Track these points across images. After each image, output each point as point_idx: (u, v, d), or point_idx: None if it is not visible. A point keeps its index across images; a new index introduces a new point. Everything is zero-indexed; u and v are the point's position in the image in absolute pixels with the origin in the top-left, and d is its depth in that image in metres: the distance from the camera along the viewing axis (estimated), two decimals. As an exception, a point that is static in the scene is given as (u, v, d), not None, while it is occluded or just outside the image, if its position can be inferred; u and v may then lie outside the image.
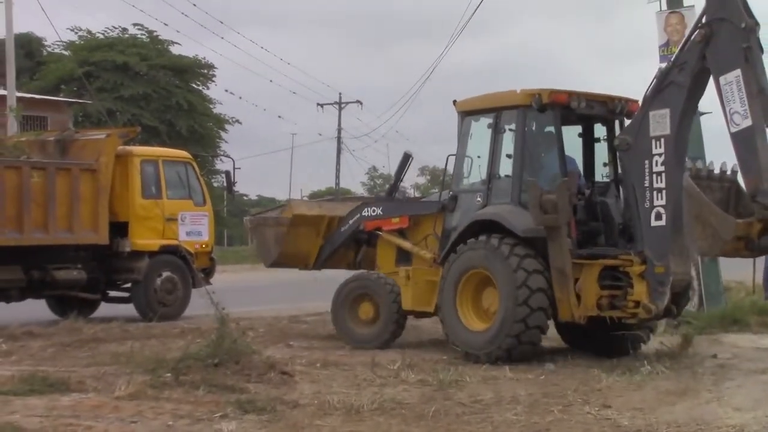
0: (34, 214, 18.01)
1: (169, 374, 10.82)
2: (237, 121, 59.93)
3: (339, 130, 69.38)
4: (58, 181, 18.36)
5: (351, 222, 16.05)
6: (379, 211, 15.77)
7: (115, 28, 56.21)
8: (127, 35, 55.52)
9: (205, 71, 56.84)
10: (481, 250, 13.24)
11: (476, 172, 14.25)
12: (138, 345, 14.38)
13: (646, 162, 12.48)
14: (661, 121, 12.39)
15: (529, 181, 13.02)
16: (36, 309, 19.55)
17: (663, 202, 12.36)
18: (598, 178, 14.15)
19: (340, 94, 64.51)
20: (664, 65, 12.67)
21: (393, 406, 9.80)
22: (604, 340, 13.69)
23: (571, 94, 13.44)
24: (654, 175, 12.42)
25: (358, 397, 10.12)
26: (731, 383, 11.07)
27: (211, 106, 57.41)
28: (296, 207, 16.75)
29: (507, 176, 13.70)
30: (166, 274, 19.91)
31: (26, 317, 18.23)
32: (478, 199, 13.90)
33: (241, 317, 15.95)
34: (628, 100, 13.80)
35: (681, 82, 12.27)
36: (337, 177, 69.66)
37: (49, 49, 57.29)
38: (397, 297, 14.66)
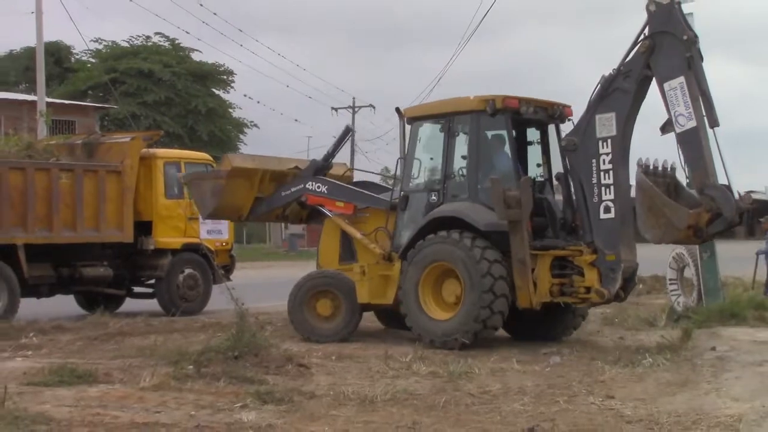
0: (62, 214, 18.11)
1: (191, 366, 10.83)
2: (255, 125, 60.03)
3: (352, 133, 69.26)
4: (85, 182, 18.46)
5: (293, 190, 15.99)
6: (324, 188, 15.71)
7: (139, 36, 56.41)
8: (150, 43, 55.67)
9: (225, 77, 56.97)
10: (443, 244, 13.62)
11: (425, 173, 14.73)
12: (161, 338, 14.44)
13: (593, 161, 13.18)
14: (606, 124, 13.12)
15: (493, 179, 13.38)
16: (65, 304, 19.62)
17: (611, 197, 13.08)
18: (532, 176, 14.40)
19: (353, 98, 64.45)
20: (606, 73, 13.17)
21: (405, 397, 9.79)
22: (545, 324, 14.40)
23: (521, 100, 13.97)
24: (602, 173, 13.14)
25: (372, 388, 10.12)
26: (729, 375, 11.02)
27: (231, 110, 57.53)
28: (234, 160, 16.44)
29: (462, 176, 14.16)
30: (188, 270, 19.96)
31: (56, 312, 18.35)
32: (433, 197, 14.27)
33: (259, 312, 16.02)
34: (564, 106, 14.42)
35: (626, 88, 13.01)
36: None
37: (77, 57, 57.45)
38: (355, 293, 14.70)
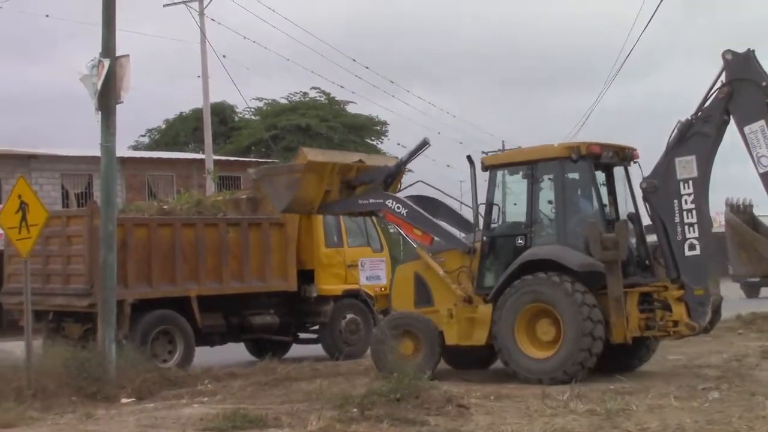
0: (231, 266, 18.57)
1: (355, 409, 10.93)
2: (410, 170, 60.24)
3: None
4: (250, 234, 18.91)
5: (372, 201, 16.07)
6: (404, 211, 15.69)
7: (297, 93, 57.61)
8: (307, 99, 56.77)
9: (378, 128, 57.60)
10: (542, 286, 13.92)
11: (507, 218, 14.97)
12: (326, 383, 14.60)
13: (675, 201, 13.71)
14: (687, 166, 13.65)
15: (590, 222, 13.86)
16: (236, 351, 20.06)
17: (696, 235, 13.60)
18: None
19: (503, 141, 64.25)
20: (683, 118, 13.68)
21: (563, 436, 9.66)
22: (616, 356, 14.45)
23: (602, 146, 14.46)
24: (684, 212, 13.66)
25: (530, 427, 10.02)
26: None
27: (385, 159, 57.94)
28: (309, 153, 16.42)
29: (549, 220, 14.57)
30: (349, 316, 20.17)
31: (228, 359, 18.73)
32: (519, 241, 14.59)
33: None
34: (632, 149, 14.95)
35: (706, 132, 13.57)
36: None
37: (240, 116, 59.04)
38: (437, 331, 14.89)
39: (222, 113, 56.25)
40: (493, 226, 14.92)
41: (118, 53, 15.28)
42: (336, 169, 16.20)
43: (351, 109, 56.71)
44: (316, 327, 20.32)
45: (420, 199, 16.50)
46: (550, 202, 14.56)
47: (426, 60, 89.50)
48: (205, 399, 13.69)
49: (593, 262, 13.79)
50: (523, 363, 14.04)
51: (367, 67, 39.90)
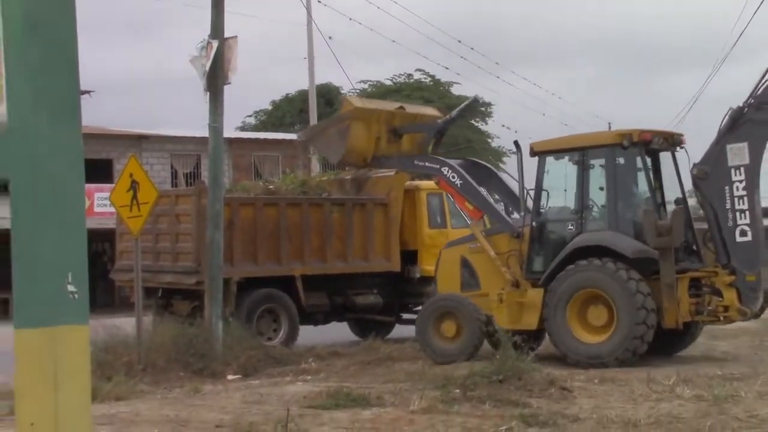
0: (335, 246, 18.72)
1: (457, 390, 10.91)
2: (513, 153, 59.86)
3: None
4: (354, 215, 19.03)
5: (428, 165, 16.39)
6: (458, 182, 15.84)
7: (402, 74, 57.65)
8: (412, 80, 56.77)
9: (483, 109, 57.29)
10: (595, 272, 13.96)
11: (556, 204, 15.13)
12: (428, 363, 14.61)
13: (726, 188, 13.80)
14: (739, 153, 13.70)
15: (646, 210, 14.02)
16: (339, 331, 20.22)
17: (747, 221, 13.71)
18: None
19: (609, 123, 63.43)
20: (735, 105, 13.75)
21: (669, 420, 9.48)
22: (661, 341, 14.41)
23: (653, 132, 14.50)
24: (736, 199, 13.75)
25: (635, 412, 9.86)
26: None
27: (489, 140, 57.78)
28: (353, 100, 16.56)
29: (601, 206, 14.60)
30: (452, 297, 20.12)
31: (331, 339, 18.89)
32: (570, 227, 14.70)
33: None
34: (680, 134, 15.07)
35: (759, 119, 13.63)
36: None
37: (353, 94, 59.28)
38: (479, 315, 14.85)
39: (327, 95, 56.63)
40: (541, 211, 15.03)
41: (226, 35, 15.48)
42: (382, 117, 16.46)
43: (455, 90, 56.54)
44: (419, 308, 20.33)
45: (474, 165, 16.84)
46: (601, 188, 14.64)
47: (531, 41, 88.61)
48: (308, 377, 13.83)
49: (646, 248, 13.86)
50: (575, 347, 14.09)
51: (472, 48, 39.73)
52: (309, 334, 18.69)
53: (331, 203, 18.99)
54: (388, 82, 57.17)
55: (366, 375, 13.82)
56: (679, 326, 13.94)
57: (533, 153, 15.12)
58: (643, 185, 14.79)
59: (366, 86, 57.09)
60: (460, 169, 16.08)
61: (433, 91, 55.41)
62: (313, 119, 35.43)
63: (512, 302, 14.95)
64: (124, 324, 16.17)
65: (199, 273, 16.74)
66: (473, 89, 61.32)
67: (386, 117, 16.51)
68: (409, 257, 19.92)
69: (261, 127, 56.92)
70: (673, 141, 14.86)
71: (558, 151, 15.10)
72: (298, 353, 16.28)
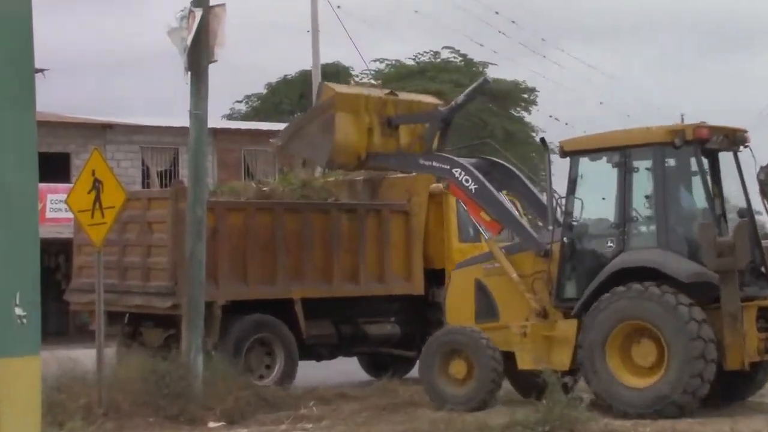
0: (343, 262, 18.66)
1: (494, 443, 10.87)
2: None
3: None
4: (368, 224, 18.99)
5: (435, 165, 16.58)
6: (473, 186, 15.91)
7: (426, 52, 57.65)
8: (438, 60, 56.78)
9: (526, 95, 57.25)
10: (639, 300, 13.82)
11: (593, 216, 15.06)
12: (457, 409, 14.54)
13: None
14: None
15: (704, 224, 13.87)
16: (347, 368, 20.17)
17: None
18: None
19: (682, 115, 63.27)
20: None
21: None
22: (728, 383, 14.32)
23: (711, 129, 14.45)
24: None
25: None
26: None
27: (533, 134, 57.74)
28: (334, 87, 16.74)
29: (648, 218, 14.57)
30: (488, 327, 20.06)
31: (337, 377, 18.85)
32: (609, 244, 14.62)
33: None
34: (744, 131, 14.96)
35: None
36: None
37: (357, 80, 59.40)
38: (494, 353, 14.77)
39: (335, 76, 56.60)
40: (574, 224, 15.00)
41: (212, 2, 15.48)
42: (371, 105, 16.64)
43: (492, 72, 56.51)
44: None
45: (492, 166, 16.88)
46: (647, 196, 14.63)
47: (586, 14, 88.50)
48: (309, 425, 13.82)
49: (703, 271, 13.81)
50: (619, 393, 13.92)
51: (513, 22, 39.73)
52: (310, 372, 18.65)
53: (339, 210, 18.95)
54: (410, 62, 57.22)
55: (381, 423, 13.81)
56: (744, 367, 13.76)
57: (564, 153, 15.15)
58: (699, 193, 14.73)
59: (382, 66, 57.15)
60: (476, 171, 16.11)
61: (464, 73, 55.39)
62: (317, 106, 35.40)
63: (538, 336, 14.90)
64: (82, 357, 16.16)
65: (176, 294, 16.72)
66: (513, 71, 61.27)
67: (376, 105, 16.62)
68: (435, 277, 19.83)
69: (253, 115, 57.08)
70: (735, 139, 14.85)
71: (594, 151, 15.10)
72: (297, 395, 16.25)
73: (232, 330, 17.40)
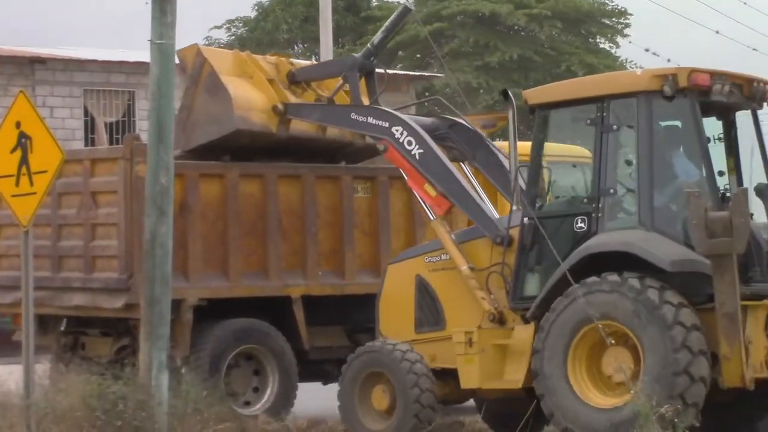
0: (358, 247, 18.78)
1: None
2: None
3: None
4: (391, 195, 19.04)
5: (370, 121, 16.73)
6: (416, 150, 16.12)
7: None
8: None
9: (614, 21, 57.17)
10: (611, 295, 14.03)
11: (563, 188, 15.56)
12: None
13: None
14: None
15: (690, 192, 13.81)
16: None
17: None
18: None
19: None
20: None
21: None
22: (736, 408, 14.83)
23: (713, 74, 14.66)
24: None
25: None
26: None
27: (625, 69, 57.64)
28: (192, 46, 17.68)
29: (628, 190, 14.87)
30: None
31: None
32: (579, 224, 14.79)
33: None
34: (765, 81, 15.19)
35: None
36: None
37: (377, 1, 59.33)
38: (419, 379, 14.98)
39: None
40: (539, 200, 15.25)
41: None
42: (255, 62, 17.59)
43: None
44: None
45: (452, 128, 17.08)
46: (628, 162, 14.89)
47: None
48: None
49: (697, 258, 13.94)
50: (581, 415, 14.10)
51: None
52: (314, 396, 18.77)
53: (353, 176, 19.02)
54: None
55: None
56: (747, 386, 13.86)
57: (530, 108, 15.32)
58: (697, 158, 14.88)
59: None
60: (422, 132, 16.26)
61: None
62: (327, 34, 35.42)
63: (489, 346, 15.07)
64: (6, 374, 16.30)
65: (131, 291, 16.92)
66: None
67: (261, 65, 17.52)
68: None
69: (238, 45, 57.12)
70: (751, 92, 14.96)
71: (564, 103, 15.28)
72: (296, 427, 16.39)
73: (207, 340, 17.59)
